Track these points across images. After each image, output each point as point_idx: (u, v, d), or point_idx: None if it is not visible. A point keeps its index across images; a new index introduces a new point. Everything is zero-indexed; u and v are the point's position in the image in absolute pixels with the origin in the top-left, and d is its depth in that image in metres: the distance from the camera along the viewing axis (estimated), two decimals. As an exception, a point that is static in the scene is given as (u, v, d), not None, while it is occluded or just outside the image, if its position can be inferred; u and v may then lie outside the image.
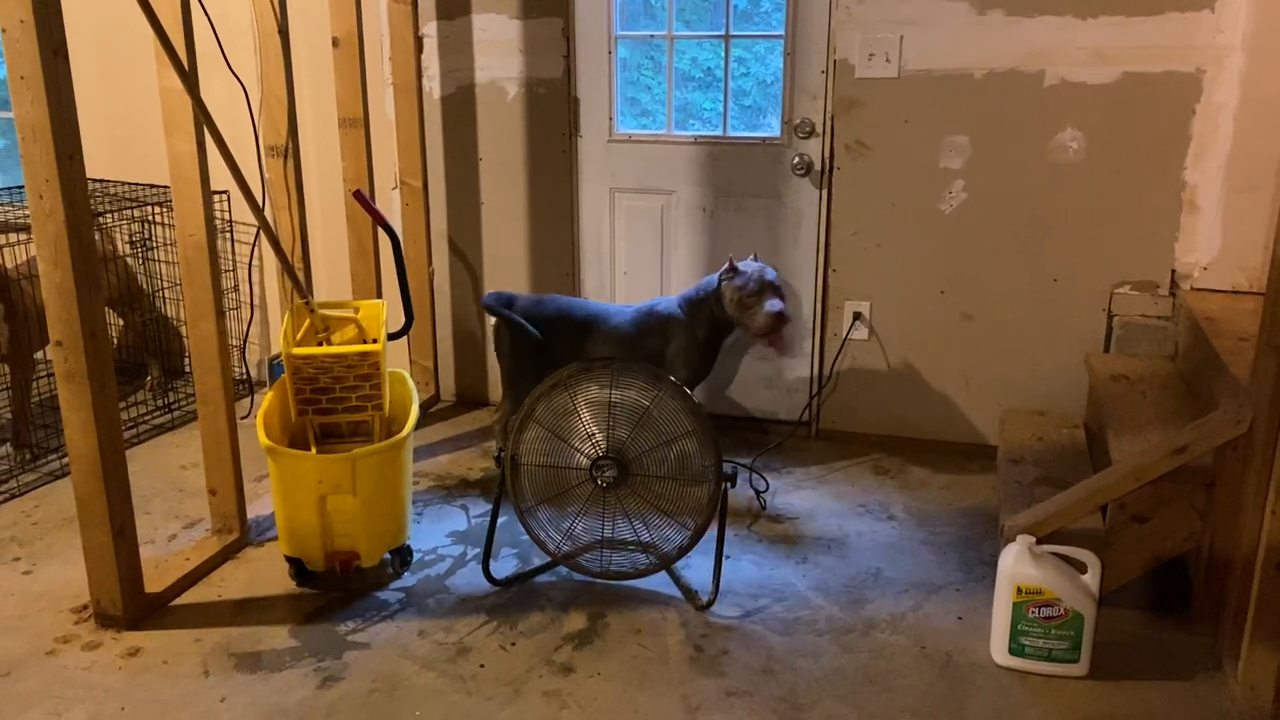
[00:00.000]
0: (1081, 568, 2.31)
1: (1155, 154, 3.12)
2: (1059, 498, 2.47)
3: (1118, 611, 2.54)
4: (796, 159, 3.44)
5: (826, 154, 3.41)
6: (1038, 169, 3.22)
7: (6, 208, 3.88)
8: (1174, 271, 3.19)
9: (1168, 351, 3.21)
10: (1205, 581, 2.44)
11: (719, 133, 3.56)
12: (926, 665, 2.36)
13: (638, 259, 3.71)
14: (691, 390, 3.14)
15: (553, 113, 3.62)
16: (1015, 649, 2.32)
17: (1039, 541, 2.34)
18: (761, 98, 3.59)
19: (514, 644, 2.44)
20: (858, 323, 3.50)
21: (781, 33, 3.40)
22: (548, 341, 3.18)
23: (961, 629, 2.49)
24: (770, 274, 3.10)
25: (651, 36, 3.58)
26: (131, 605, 2.49)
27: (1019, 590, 2.29)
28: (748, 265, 3.10)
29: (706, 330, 3.14)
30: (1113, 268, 3.24)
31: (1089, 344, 3.30)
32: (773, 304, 3.05)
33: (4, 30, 2.13)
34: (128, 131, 3.88)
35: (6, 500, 3.16)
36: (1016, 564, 2.30)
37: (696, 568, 2.72)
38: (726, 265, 3.09)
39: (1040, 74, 3.15)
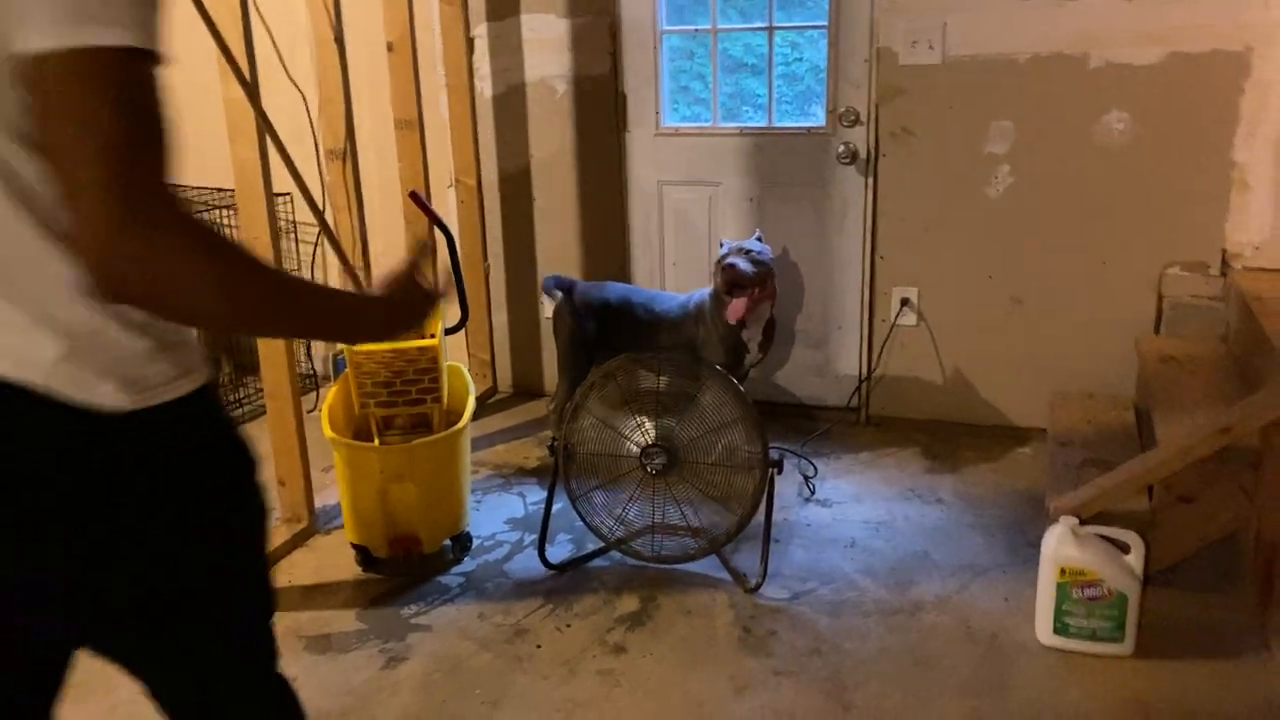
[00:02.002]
0: (1125, 548, 2.33)
1: (1204, 134, 3.10)
2: (1103, 479, 2.50)
3: (1167, 591, 2.55)
4: (842, 148, 3.47)
5: (872, 142, 3.44)
6: (1084, 152, 3.22)
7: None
8: (1225, 251, 3.17)
9: (1219, 332, 3.19)
10: (1254, 561, 2.45)
11: (764, 124, 3.61)
12: (972, 646, 2.40)
13: (686, 250, 3.78)
14: (739, 371, 3.21)
15: (601, 108, 3.70)
16: (1060, 629, 2.36)
17: (1084, 523, 2.37)
18: (815, 83, 3.62)
19: (569, 626, 2.53)
20: (906, 308, 3.53)
21: (825, 22, 3.43)
22: (607, 325, 3.26)
23: (1007, 610, 2.53)
24: (751, 244, 3.15)
25: (696, 31, 3.63)
26: (208, 590, 2.63)
27: (1063, 571, 2.32)
28: (744, 242, 3.17)
29: (716, 317, 3.16)
30: (1162, 249, 3.23)
31: (1139, 326, 3.29)
32: (729, 260, 3.08)
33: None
34: (192, 137, 4.03)
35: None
36: (1060, 545, 2.33)
37: (745, 552, 2.79)
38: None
39: (1085, 56, 3.15)
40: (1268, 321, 2.70)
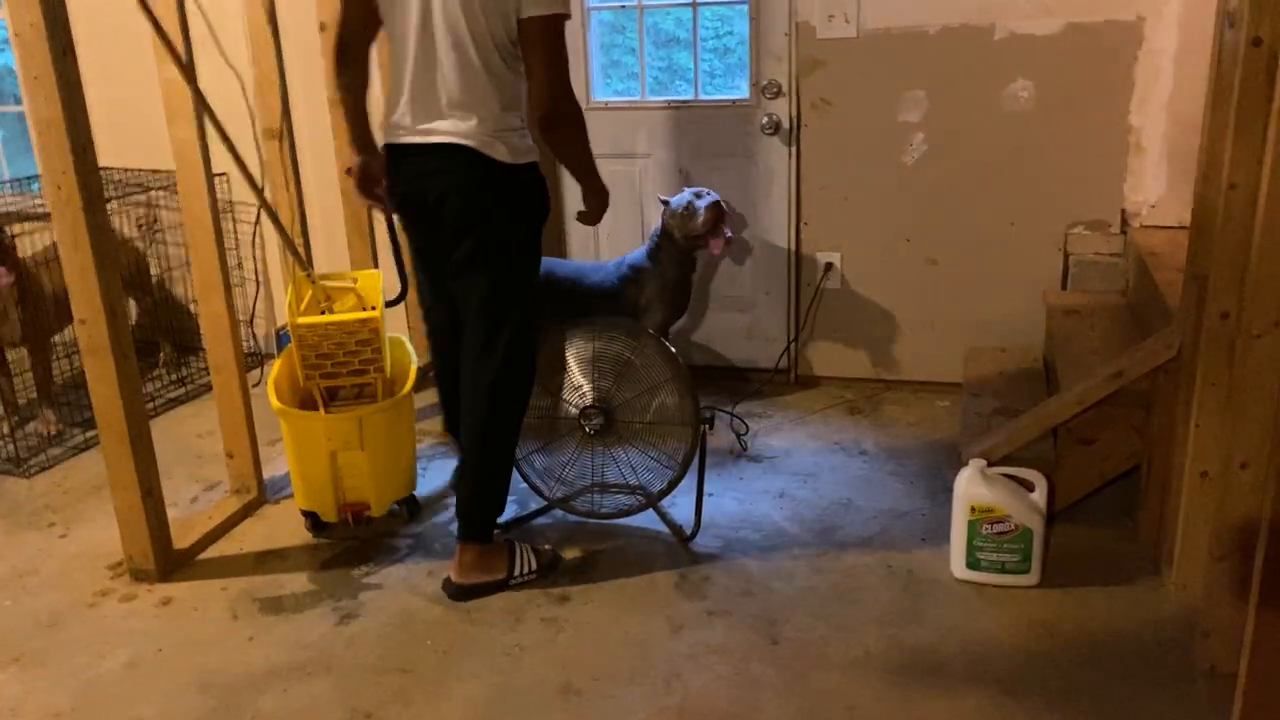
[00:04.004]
0: (1030, 487, 2.52)
1: (1102, 100, 3.29)
2: (1010, 424, 2.68)
3: (1071, 526, 2.76)
4: (765, 119, 3.61)
5: (793, 113, 3.59)
6: (992, 119, 3.40)
7: (15, 198, 4.06)
8: (1124, 210, 3.38)
9: (1119, 287, 3.40)
10: (1147, 495, 2.66)
11: (691, 97, 3.74)
12: (891, 581, 2.58)
13: (619, 221, 3.89)
14: (673, 325, 3.38)
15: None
16: (972, 563, 2.54)
17: (992, 464, 2.55)
18: (746, 55, 3.75)
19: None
20: (829, 272, 3.69)
21: (745, -2, 3.56)
22: (539, 298, 3.35)
23: (924, 548, 2.71)
24: (700, 189, 3.37)
25: (623, 7, 3.74)
26: (162, 559, 2.71)
27: (972, 509, 2.50)
28: (677, 197, 3.36)
29: (675, 270, 3.34)
30: (1067, 209, 3.42)
31: (1047, 282, 3.49)
32: (705, 199, 3.29)
33: (17, 34, 2.31)
34: (129, 119, 4.04)
35: (38, 472, 3.39)
36: (970, 485, 2.51)
37: (681, 505, 2.93)
38: (661, 203, 3.36)
39: (990, 28, 3.32)
40: (1160, 275, 2.90)
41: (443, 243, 2.53)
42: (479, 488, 2.60)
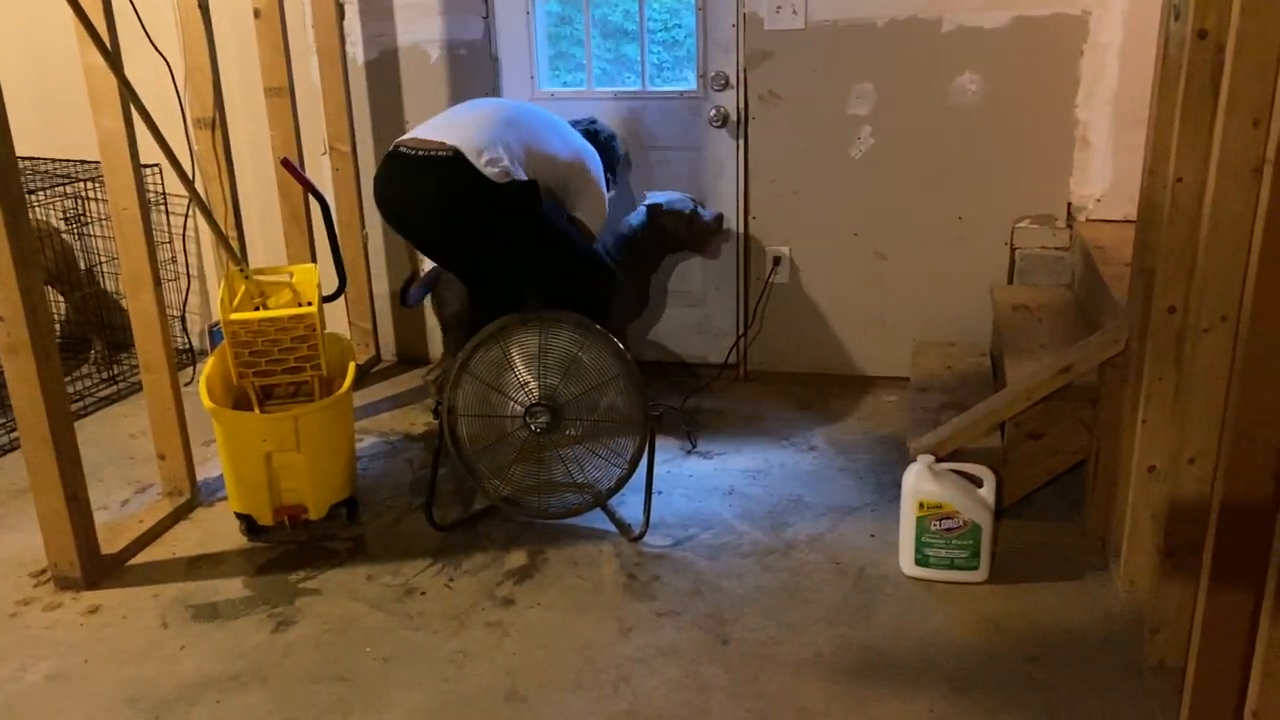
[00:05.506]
0: (978, 482, 2.50)
1: (1048, 93, 3.29)
2: (958, 419, 2.67)
3: (1019, 522, 2.75)
4: (713, 111, 3.57)
5: (741, 105, 3.54)
6: (940, 112, 3.38)
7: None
8: (1070, 204, 3.38)
9: (1065, 280, 3.41)
10: (1094, 490, 2.66)
11: (639, 88, 3.68)
12: (841, 579, 2.55)
13: (566, 214, 3.83)
14: (634, 321, 3.34)
15: (475, 73, 3.71)
16: (921, 560, 2.52)
17: (940, 460, 2.53)
18: (694, 47, 3.70)
19: (459, 582, 2.59)
20: (778, 267, 3.66)
21: (693, -12, 3.51)
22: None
23: (874, 545, 2.69)
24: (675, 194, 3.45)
25: (568, -4, 3.67)
26: (89, 566, 2.60)
27: (921, 505, 2.48)
28: (661, 196, 3.38)
29: (641, 266, 3.30)
30: (1013, 203, 3.42)
31: (994, 276, 3.49)
32: (709, 212, 3.45)
33: (-75, 16, 2.19)
34: (56, 108, 3.89)
35: (-42, 476, 3.25)
36: (918, 481, 2.49)
37: (630, 504, 2.88)
38: (651, 204, 3.35)
39: (938, 20, 3.30)
40: (1106, 269, 2.90)
41: (434, 235, 3.04)
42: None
